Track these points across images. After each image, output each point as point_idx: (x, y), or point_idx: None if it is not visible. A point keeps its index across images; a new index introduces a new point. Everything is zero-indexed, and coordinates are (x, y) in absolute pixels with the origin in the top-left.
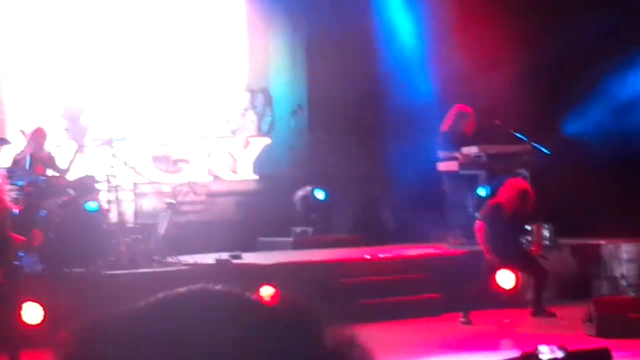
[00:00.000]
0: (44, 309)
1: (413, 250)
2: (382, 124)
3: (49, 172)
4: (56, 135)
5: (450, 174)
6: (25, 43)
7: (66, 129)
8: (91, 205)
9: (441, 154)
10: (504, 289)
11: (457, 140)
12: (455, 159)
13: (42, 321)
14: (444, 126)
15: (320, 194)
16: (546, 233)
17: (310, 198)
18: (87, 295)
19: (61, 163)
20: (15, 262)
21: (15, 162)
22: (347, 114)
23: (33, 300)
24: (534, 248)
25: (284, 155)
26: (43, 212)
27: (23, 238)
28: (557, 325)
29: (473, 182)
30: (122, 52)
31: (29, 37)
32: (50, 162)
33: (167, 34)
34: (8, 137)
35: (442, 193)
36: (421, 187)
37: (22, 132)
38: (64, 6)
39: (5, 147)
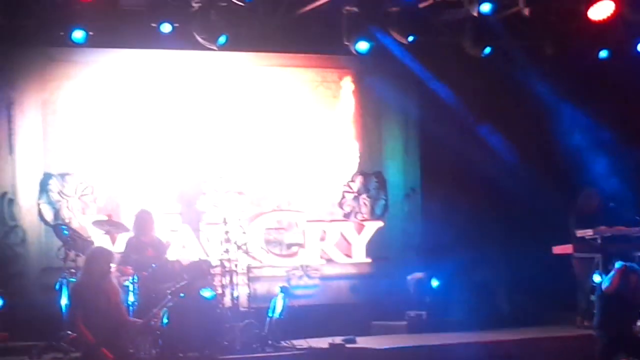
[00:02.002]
0: None
1: (531, 334)
2: (495, 208)
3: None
4: (171, 220)
5: (578, 256)
6: (139, 128)
7: (180, 213)
8: (206, 293)
9: (578, 232)
10: None
11: (585, 221)
12: (590, 240)
13: None
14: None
15: (435, 283)
16: None
17: (424, 282)
18: None
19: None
20: (129, 348)
21: (128, 246)
22: (460, 198)
23: None
24: None
25: (397, 238)
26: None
27: (140, 321)
28: None
29: (596, 266)
30: (236, 136)
31: (142, 121)
32: (157, 245)
33: (280, 119)
34: (125, 223)
35: (570, 276)
36: (537, 269)
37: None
38: (182, 91)
39: (123, 233)
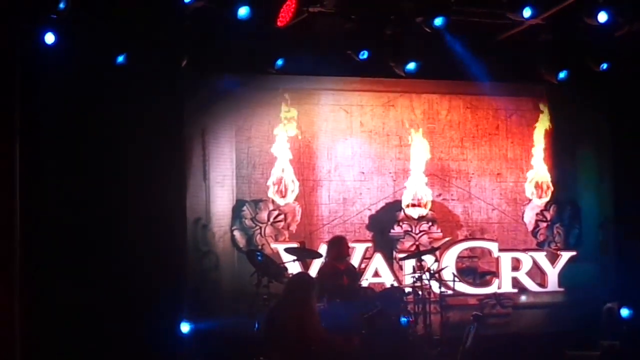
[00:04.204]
0: None
1: None
2: None
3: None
4: (363, 247)
5: None
6: (330, 153)
7: (373, 241)
8: (402, 318)
9: None
10: None
11: None
12: None
13: None
14: None
15: (625, 312)
16: None
17: (616, 311)
18: None
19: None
20: None
21: (322, 272)
22: None
23: None
24: None
25: (591, 268)
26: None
27: (340, 337)
28: None
29: None
30: (429, 163)
31: (334, 147)
32: (352, 272)
33: (470, 148)
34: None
35: None
36: None
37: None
38: (370, 115)
39: (316, 260)
